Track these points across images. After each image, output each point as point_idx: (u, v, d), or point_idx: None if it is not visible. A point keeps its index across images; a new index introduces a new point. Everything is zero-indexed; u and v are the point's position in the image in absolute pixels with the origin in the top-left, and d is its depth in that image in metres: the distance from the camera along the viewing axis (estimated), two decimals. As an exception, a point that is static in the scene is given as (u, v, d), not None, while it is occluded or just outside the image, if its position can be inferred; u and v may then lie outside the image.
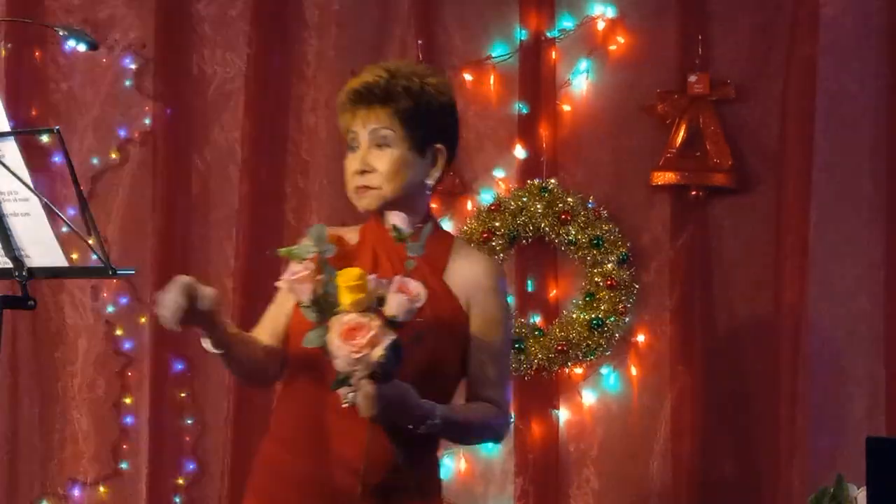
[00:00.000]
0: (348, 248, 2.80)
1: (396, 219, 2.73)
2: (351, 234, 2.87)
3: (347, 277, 2.46)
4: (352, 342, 2.43)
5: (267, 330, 2.83)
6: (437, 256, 2.81)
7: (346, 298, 2.46)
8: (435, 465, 2.86)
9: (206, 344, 2.66)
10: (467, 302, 2.80)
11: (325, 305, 2.48)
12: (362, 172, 2.76)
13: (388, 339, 2.46)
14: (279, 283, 2.58)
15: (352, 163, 2.78)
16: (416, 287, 2.51)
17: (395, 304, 2.49)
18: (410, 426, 2.61)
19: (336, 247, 2.59)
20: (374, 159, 2.76)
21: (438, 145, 2.82)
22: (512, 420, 4.54)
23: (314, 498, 2.70)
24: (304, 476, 2.72)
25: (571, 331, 4.52)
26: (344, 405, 2.53)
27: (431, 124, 2.79)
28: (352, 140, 2.79)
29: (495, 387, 2.81)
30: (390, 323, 2.50)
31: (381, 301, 2.50)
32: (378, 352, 2.44)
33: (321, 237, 2.52)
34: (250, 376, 2.86)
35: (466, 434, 2.84)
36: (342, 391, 2.53)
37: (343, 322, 2.45)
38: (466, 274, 2.81)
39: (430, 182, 2.83)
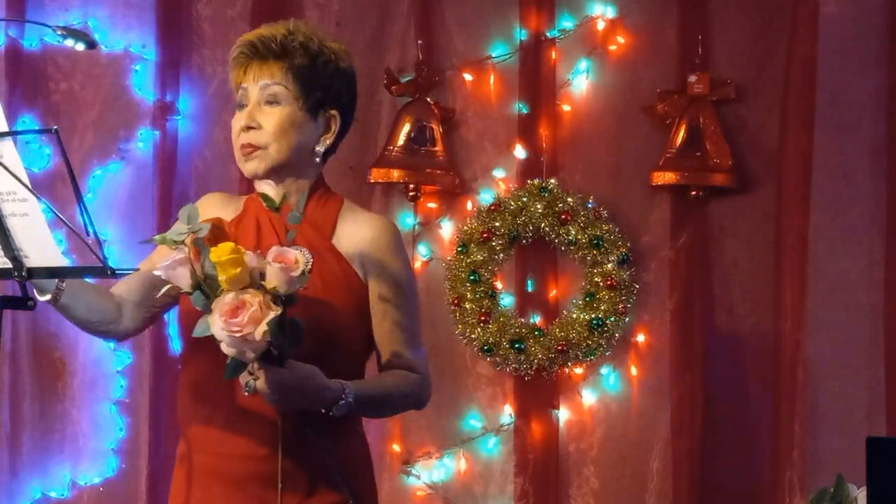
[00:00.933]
0: (229, 224, 2.59)
1: (266, 187, 2.54)
2: (235, 203, 2.68)
3: (219, 253, 2.26)
4: (233, 321, 2.24)
5: (121, 285, 2.62)
6: (324, 221, 2.62)
7: (221, 275, 2.27)
8: (360, 444, 2.64)
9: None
10: (362, 265, 2.59)
11: (209, 289, 2.30)
12: (248, 129, 2.57)
13: (272, 314, 2.26)
14: (156, 272, 2.36)
15: (238, 120, 2.60)
16: (295, 255, 2.30)
17: (273, 276, 2.29)
18: (322, 410, 2.44)
19: (213, 225, 2.38)
20: (262, 116, 2.57)
21: (332, 111, 2.62)
22: (509, 414, 4.54)
23: (227, 491, 2.52)
24: (207, 469, 2.54)
25: (571, 331, 4.52)
26: (246, 394, 2.37)
27: (327, 87, 2.61)
28: (241, 97, 2.62)
29: (406, 351, 2.61)
30: (278, 298, 2.30)
31: (263, 275, 2.31)
32: (261, 328, 2.24)
33: (193, 217, 2.32)
34: (87, 323, 2.58)
35: (385, 407, 2.64)
36: (242, 378, 2.36)
37: (224, 303, 2.26)
38: (357, 235, 2.61)
39: (319, 149, 2.63)
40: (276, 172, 2.60)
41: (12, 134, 2.22)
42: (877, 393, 4.52)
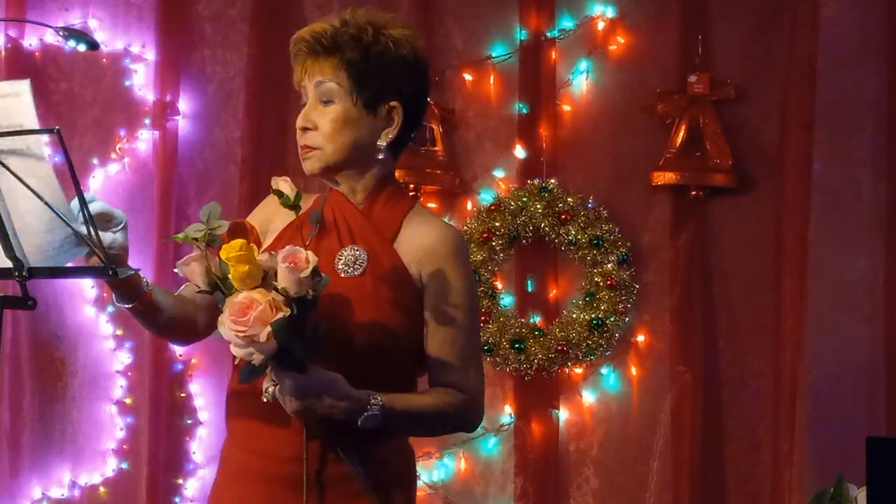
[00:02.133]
0: (296, 223, 2.47)
1: (282, 184, 2.34)
2: (306, 202, 2.54)
3: (228, 250, 2.18)
4: (240, 321, 2.17)
5: (183, 289, 2.53)
6: (389, 222, 2.48)
7: (231, 273, 2.19)
8: (397, 454, 2.49)
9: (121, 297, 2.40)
10: (419, 273, 2.44)
11: (225, 288, 2.22)
12: (304, 130, 2.47)
13: (279, 315, 2.17)
14: (176, 269, 2.29)
15: (298, 119, 2.50)
16: (306, 255, 2.20)
17: (282, 276, 2.19)
18: (346, 420, 2.31)
19: (233, 222, 2.32)
20: (317, 116, 2.46)
21: (393, 103, 2.47)
22: (509, 414, 4.54)
23: (260, 491, 2.43)
24: (238, 466, 2.47)
25: (571, 331, 4.53)
26: (265, 399, 2.28)
27: (383, 79, 2.46)
28: (302, 95, 2.52)
29: (458, 369, 2.44)
30: (290, 299, 2.21)
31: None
32: (266, 330, 2.16)
33: (214, 215, 2.25)
34: (173, 327, 2.51)
35: (419, 426, 2.47)
36: (264, 384, 2.28)
37: (235, 302, 2.18)
38: (417, 241, 2.46)
39: (381, 143, 2.48)
40: (333, 171, 2.49)
41: (13, 134, 2.21)
42: (877, 393, 4.52)
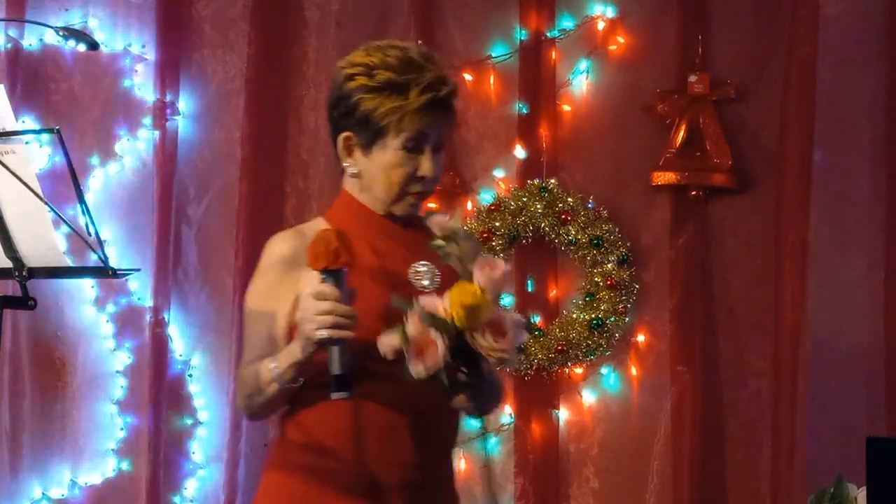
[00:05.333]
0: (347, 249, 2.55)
1: (440, 221, 2.54)
2: (318, 228, 2.59)
3: (464, 295, 2.39)
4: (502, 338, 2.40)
5: (269, 352, 2.54)
6: (421, 237, 2.60)
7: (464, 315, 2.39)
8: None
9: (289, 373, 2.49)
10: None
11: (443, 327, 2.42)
12: (423, 179, 2.58)
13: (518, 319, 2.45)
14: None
15: (410, 163, 2.56)
16: (498, 261, 2.45)
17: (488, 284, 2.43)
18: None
19: (336, 231, 2.44)
20: (435, 165, 2.58)
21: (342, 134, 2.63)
22: (509, 414, 4.54)
23: (357, 498, 2.51)
24: (354, 480, 2.52)
25: (571, 331, 4.53)
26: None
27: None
28: (414, 140, 2.55)
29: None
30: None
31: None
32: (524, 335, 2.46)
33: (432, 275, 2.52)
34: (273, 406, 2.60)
35: (486, 391, 2.58)
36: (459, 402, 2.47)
37: (489, 319, 2.39)
38: None
39: None
40: None
41: (13, 134, 2.22)
42: (877, 393, 4.52)
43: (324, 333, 2.37)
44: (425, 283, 2.53)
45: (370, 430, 2.51)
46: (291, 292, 2.51)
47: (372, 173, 2.60)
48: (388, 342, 2.39)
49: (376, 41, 2.64)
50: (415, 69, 2.56)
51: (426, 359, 2.36)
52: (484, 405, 2.55)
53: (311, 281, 2.41)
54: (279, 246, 2.60)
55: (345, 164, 2.64)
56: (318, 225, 2.63)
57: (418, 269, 2.54)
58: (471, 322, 2.37)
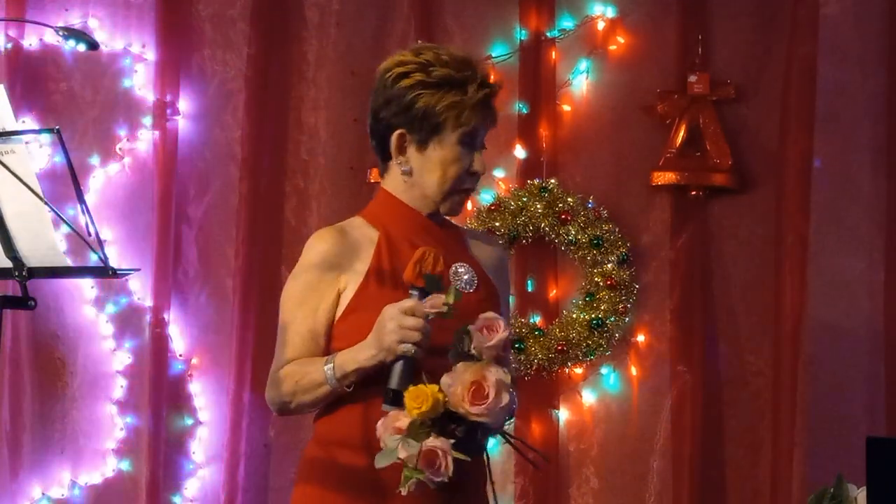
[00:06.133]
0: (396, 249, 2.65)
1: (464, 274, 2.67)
2: (361, 230, 2.67)
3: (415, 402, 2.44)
4: (480, 400, 2.46)
5: (310, 349, 2.62)
6: (460, 238, 2.75)
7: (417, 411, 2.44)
8: None
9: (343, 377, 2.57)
10: (496, 284, 2.75)
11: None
12: (475, 174, 2.69)
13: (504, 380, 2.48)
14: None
15: (466, 159, 2.67)
16: (498, 323, 2.49)
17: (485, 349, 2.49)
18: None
19: (430, 253, 2.56)
20: (484, 163, 2.72)
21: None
22: (512, 420, 4.55)
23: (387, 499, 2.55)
24: (379, 480, 2.54)
25: (571, 331, 4.53)
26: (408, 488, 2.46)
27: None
28: (469, 136, 2.67)
29: (510, 365, 2.76)
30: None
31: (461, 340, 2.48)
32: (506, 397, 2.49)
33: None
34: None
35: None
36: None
37: (466, 384, 2.45)
38: (487, 253, 2.77)
39: None
40: None
41: (13, 134, 2.22)
42: (877, 393, 4.52)
43: (407, 348, 2.45)
44: (462, 283, 2.62)
45: None
46: (332, 290, 2.57)
47: (427, 169, 2.65)
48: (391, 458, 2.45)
49: (418, 44, 2.78)
50: (470, 67, 2.65)
51: (440, 468, 2.43)
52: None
53: (406, 298, 2.48)
54: (321, 244, 2.64)
55: (397, 162, 2.67)
56: (357, 224, 2.68)
57: (458, 270, 2.63)
58: (433, 416, 2.42)
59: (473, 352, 2.47)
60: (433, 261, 2.51)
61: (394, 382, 2.47)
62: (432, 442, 2.42)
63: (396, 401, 2.45)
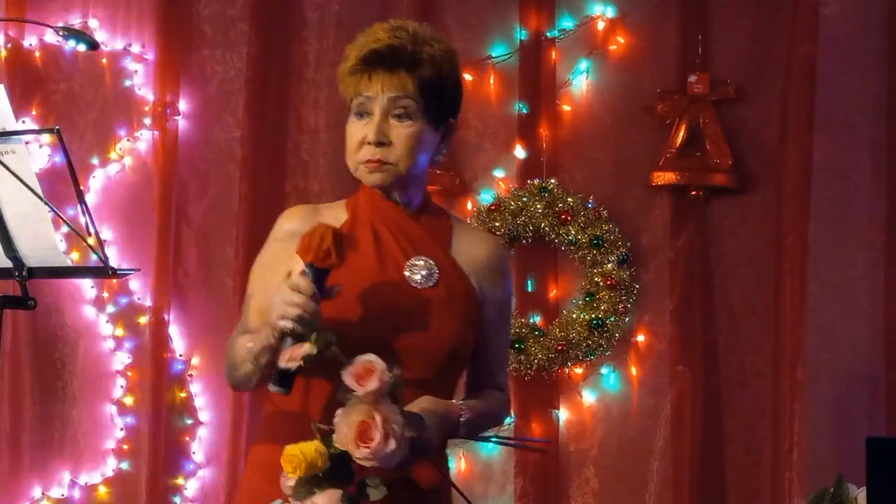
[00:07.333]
0: (341, 230, 2.45)
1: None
2: (333, 212, 2.57)
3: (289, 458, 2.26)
4: (365, 445, 2.25)
5: (259, 325, 2.48)
6: (441, 233, 2.55)
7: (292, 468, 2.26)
8: (444, 459, 2.60)
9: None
10: (479, 283, 2.53)
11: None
12: (378, 144, 2.45)
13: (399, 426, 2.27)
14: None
15: (360, 130, 2.47)
16: (374, 366, 2.27)
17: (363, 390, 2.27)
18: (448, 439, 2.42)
19: (331, 231, 2.35)
20: (391, 131, 2.46)
21: (451, 119, 2.56)
22: (512, 419, 4.54)
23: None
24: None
25: (571, 331, 4.52)
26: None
27: (451, 97, 2.53)
28: (360, 105, 2.48)
29: (503, 373, 2.64)
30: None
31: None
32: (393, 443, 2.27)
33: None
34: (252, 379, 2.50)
35: (481, 429, 2.57)
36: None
37: (353, 426, 2.25)
38: (473, 251, 2.56)
39: (438, 158, 2.57)
40: (399, 185, 2.51)
41: (13, 134, 2.22)
42: (877, 393, 4.52)
43: (286, 324, 2.31)
44: (417, 278, 2.46)
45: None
46: (289, 267, 2.43)
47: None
48: None
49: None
50: (367, 35, 2.55)
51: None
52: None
53: (295, 268, 2.35)
54: (288, 221, 2.57)
55: None
56: (335, 206, 2.60)
57: (416, 263, 2.48)
58: (320, 469, 2.26)
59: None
60: (319, 239, 2.33)
61: (281, 362, 2.32)
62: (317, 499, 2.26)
63: (282, 382, 2.32)
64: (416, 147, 2.48)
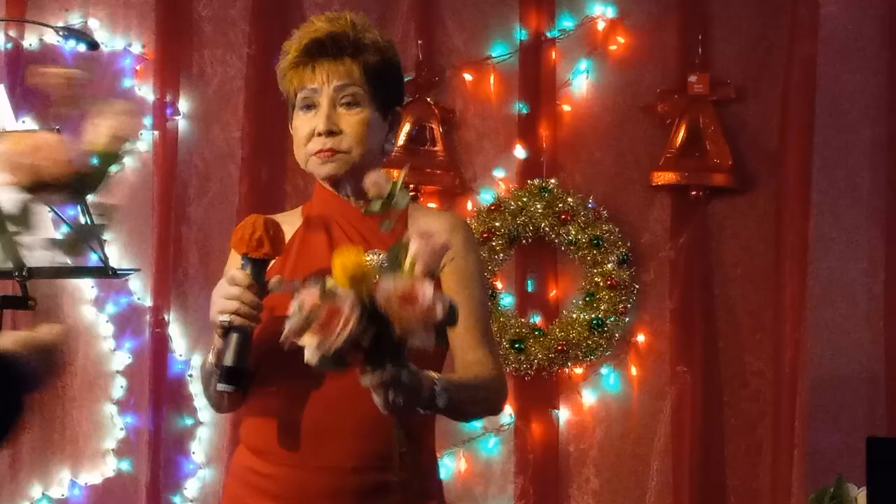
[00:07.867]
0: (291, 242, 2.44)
1: (375, 179, 2.24)
2: (289, 218, 2.53)
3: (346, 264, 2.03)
4: (411, 305, 2.01)
5: None
6: (397, 220, 2.40)
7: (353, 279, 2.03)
8: (435, 463, 2.52)
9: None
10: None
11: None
12: (329, 133, 2.43)
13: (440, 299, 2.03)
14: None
15: (309, 122, 2.46)
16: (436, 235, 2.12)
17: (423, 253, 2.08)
18: (419, 407, 2.20)
19: (266, 220, 2.31)
20: (341, 119, 2.43)
21: (398, 108, 2.53)
22: (509, 414, 4.54)
23: None
24: (283, 485, 2.40)
25: (571, 331, 4.52)
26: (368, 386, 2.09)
27: (394, 84, 2.51)
28: (305, 99, 2.47)
29: (483, 345, 2.46)
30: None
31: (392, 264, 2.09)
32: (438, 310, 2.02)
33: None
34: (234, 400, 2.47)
35: (469, 403, 2.40)
36: (369, 381, 2.07)
37: (400, 288, 2.02)
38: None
39: (388, 147, 2.54)
40: (352, 175, 2.46)
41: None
42: (877, 393, 4.52)
43: (224, 318, 2.28)
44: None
45: (300, 432, 2.38)
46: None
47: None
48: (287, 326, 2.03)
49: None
50: (304, 28, 2.50)
51: (325, 338, 1.99)
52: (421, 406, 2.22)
53: (233, 264, 2.33)
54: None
55: None
56: (293, 214, 2.58)
57: (370, 258, 2.38)
58: (357, 288, 2.02)
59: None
60: (251, 229, 2.29)
61: (226, 359, 2.28)
62: (341, 301, 2.00)
63: (229, 379, 2.28)
64: (367, 134, 2.45)
